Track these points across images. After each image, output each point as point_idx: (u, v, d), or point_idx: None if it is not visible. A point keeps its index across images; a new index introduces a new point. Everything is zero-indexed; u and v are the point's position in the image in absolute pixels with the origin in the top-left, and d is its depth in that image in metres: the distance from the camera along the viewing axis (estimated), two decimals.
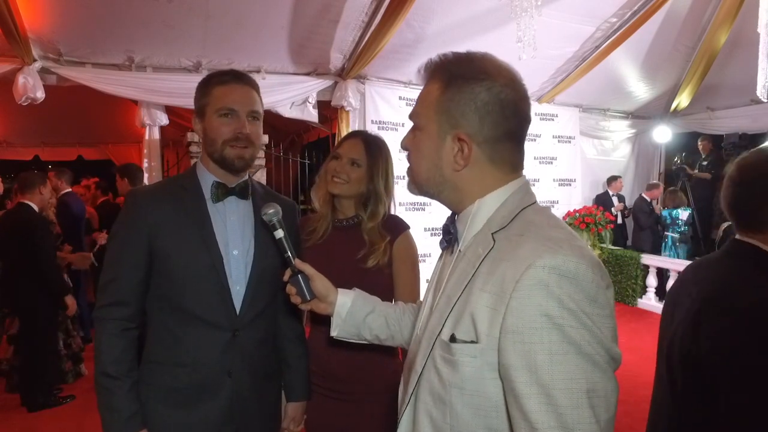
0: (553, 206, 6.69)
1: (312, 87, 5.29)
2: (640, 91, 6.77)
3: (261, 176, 5.15)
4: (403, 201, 5.28)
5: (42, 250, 3.62)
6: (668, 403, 1.21)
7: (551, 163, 6.78)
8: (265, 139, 5.06)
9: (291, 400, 1.62)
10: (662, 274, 6.44)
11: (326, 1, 4.29)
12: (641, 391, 3.61)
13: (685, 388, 1.16)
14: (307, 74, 5.25)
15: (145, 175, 5.15)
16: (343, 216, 1.74)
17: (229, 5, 4.17)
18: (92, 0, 3.91)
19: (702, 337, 1.11)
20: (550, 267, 0.75)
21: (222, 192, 1.43)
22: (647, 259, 6.47)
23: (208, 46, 4.58)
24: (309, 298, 1.26)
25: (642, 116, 7.49)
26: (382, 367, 1.67)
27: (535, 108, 6.48)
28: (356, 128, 5.42)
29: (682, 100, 6.81)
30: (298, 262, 1.27)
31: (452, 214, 0.99)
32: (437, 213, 5.22)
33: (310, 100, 5.36)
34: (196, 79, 2.03)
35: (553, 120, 6.72)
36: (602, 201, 7.19)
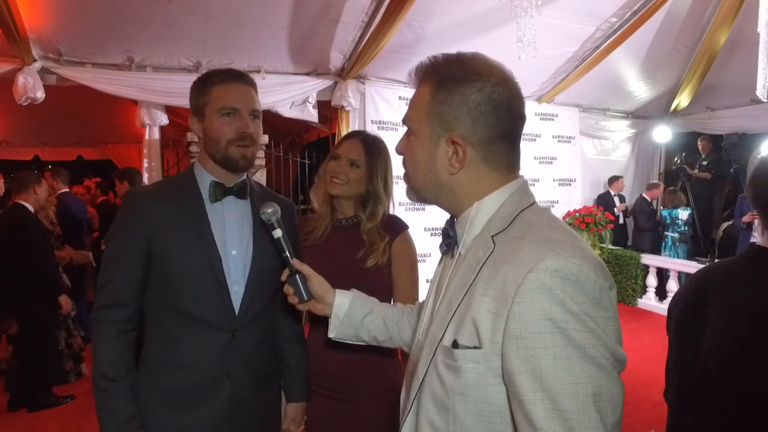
0: (553, 206, 6.69)
1: (312, 87, 5.29)
2: (640, 91, 6.76)
3: (261, 176, 5.14)
4: (403, 201, 5.28)
5: (34, 250, 3.59)
6: (699, 416, 1.17)
7: (551, 163, 6.77)
8: (265, 139, 5.05)
9: (291, 401, 1.62)
10: (662, 274, 6.44)
11: (326, 1, 4.28)
12: (641, 391, 3.61)
13: (728, 404, 1.12)
14: (307, 74, 5.25)
15: (145, 175, 5.16)
16: (342, 216, 1.74)
17: (229, 5, 4.17)
18: (92, 0, 3.90)
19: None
20: (552, 270, 0.74)
21: (220, 192, 1.42)
22: (647, 259, 6.47)
23: (208, 46, 4.58)
24: (306, 299, 1.26)
25: (642, 116, 7.49)
26: (382, 368, 1.67)
27: (535, 108, 6.48)
28: (356, 128, 5.41)
29: (682, 100, 6.81)
30: (296, 262, 1.26)
31: (451, 218, 0.98)
32: (437, 213, 5.15)
33: (310, 100, 5.36)
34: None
35: (553, 120, 6.71)
36: (604, 201, 7.18)
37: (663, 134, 7.43)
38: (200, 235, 1.37)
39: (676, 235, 6.68)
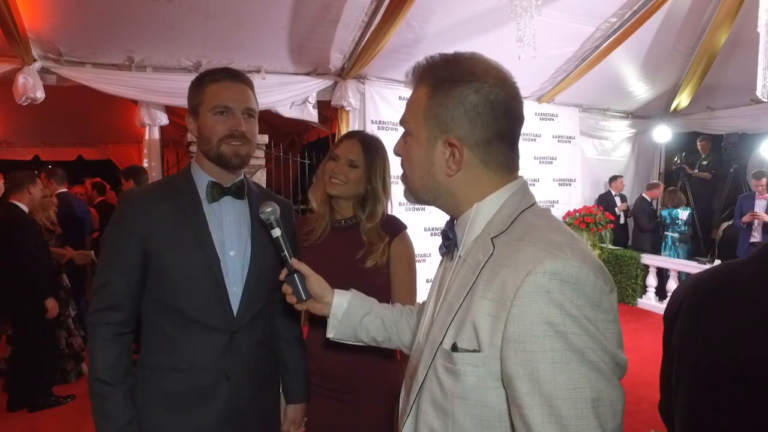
0: (553, 206, 6.69)
1: (312, 87, 5.29)
2: (640, 90, 6.76)
3: (261, 176, 5.14)
4: (403, 201, 5.24)
5: (21, 251, 3.56)
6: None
7: (551, 163, 6.77)
8: (265, 139, 5.06)
9: (290, 403, 1.61)
10: (662, 274, 6.44)
11: (326, 1, 4.28)
12: (641, 391, 3.61)
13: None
14: (307, 74, 5.25)
15: None
16: (341, 216, 1.74)
17: (229, 5, 4.17)
18: (92, 0, 3.90)
19: None
20: (551, 272, 0.74)
21: (217, 192, 1.41)
22: (647, 259, 6.47)
23: (208, 46, 4.58)
24: (305, 298, 1.25)
25: (642, 116, 7.49)
26: (381, 368, 1.67)
27: (535, 108, 6.48)
28: (356, 128, 5.41)
29: (682, 99, 6.81)
30: (294, 262, 1.25)
31: (450, 220, 0.97)
32: (437, 213, 5.13)
33: (310, 100, 5.35)
34: None
35: (553, 120, 6.71)
36: (604, 201, 7.19)
37: (663, 134, 7.43)
38: (198, 236, 1.36)
39: (676, 235, 6.68)
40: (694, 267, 5.78)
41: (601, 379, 0.71)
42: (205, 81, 1.39)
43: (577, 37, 5.40)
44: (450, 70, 0.88)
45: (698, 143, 7.44)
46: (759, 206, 5.74)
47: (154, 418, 1.35)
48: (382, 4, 4.30)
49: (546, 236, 0.80)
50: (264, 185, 5.09)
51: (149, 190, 1.47)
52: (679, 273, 6.10)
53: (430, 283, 1.08)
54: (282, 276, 1.28)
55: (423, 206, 5.36)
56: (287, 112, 5.28)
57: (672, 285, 6.04)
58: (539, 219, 0.86)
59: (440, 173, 0.91)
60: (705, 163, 7.32)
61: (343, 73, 5.27)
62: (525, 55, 3.94)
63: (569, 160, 6.94)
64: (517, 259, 0.78)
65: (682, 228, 6.67)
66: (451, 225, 0.97)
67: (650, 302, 6.39)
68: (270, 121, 6.66)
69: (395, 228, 1.73)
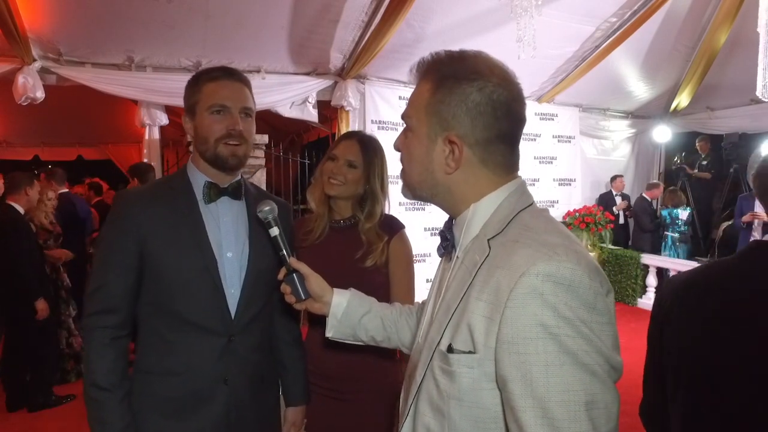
0: (553, 206, 6.69)
1: (312, 87, 5.29)
2: (640, 90, 6.76)
3: (261, 176, 5.14)
4: (402, 201, 5.26)
5: (17, 251, 3.55)
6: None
7: (551, 162, 6.77)
8: (265, 139, 5.05)
9: (290, 405, 1.59)
10: (662, 273, 6.44)
11: (326, 1, 4.28)
12: (641, 391, 3.61)
13: None
14: (307, 74, 5.25)
15: None
16: (339, 217, 1.75)
17: (229, 5, 4.17)
18: (92, 0, 3.90)
19: None
20: (545, 274, 0.73)
21: (214, 192, 1.38)
22: (647, 258, 6.47)
23: (208, 46, 4.58)
24: (304, 298, 1.24)
25: (642, 116, 7.49)
26: (381, 368, 1.67)
27: (535, 108, 6.48)
28: (356, 128, 5.41)
29: (682, 99, 6.81)
30: (293, 261, 1.25)
31: (449, 220, 0.97)
32: (437, 213, 5.13)
33: (310, 100, 5.35)
34: None
35: (553, 120, 6.71)
36: (605, 200, 7.20)
37: (663, 134, 7.43)
38: (195, 237, 1.33)
39: (676, 234, 6.68)
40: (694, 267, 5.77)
41: (595, 381, 0.71)
42: (201, 80, 1.36)
43: (577, 37, 5.40)
44: (454, 67, 0.88)
45: (697, 143, 7.44)
46: (759, 206, 5.74)
47: (151, 423, 1.32)
48: (382, 4, 4.30)
49: (541, 238, 0.80)
50: (264, 185, 5.12)
51: (145, 191, 1.44)
52: (679, 273, 6.10)
53: (429, 283, 1.08)
54: (280, 275, 1.27)
55: (423, 207, 5.42)
56: (287, 112, 5.28)
57: None
58: (536, 220, 0.86)
59: (439, 170, 0.90)
60: (705, 163, 7.32)
61: (343, 73, 5.27)
62: (525, 55, 3.94)
63: (569, 160, 6.94)
64: (511, 261, 0.77)
65: (682, 228, 6.67)
66: (449, 226, 0.97)
67: (650, 302, 6.37)
68: (270, 120, 6.66)
69: (394, 227, 1.74)
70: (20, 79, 4.16)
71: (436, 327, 0.88)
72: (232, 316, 1.36)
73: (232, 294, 1.37)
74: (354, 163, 1.69)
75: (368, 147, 1.72)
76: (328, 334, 1.25)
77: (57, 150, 8.04)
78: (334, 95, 5.34)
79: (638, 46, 5.71)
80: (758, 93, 4.30)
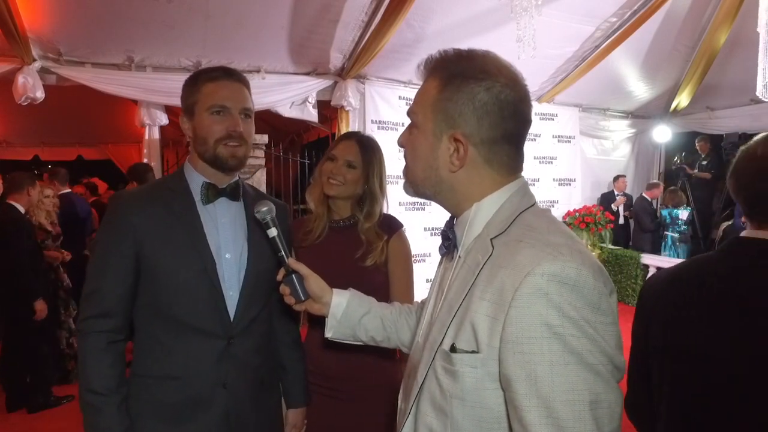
0: (553, 206, 6.69)
1: (312, 87, 5.29)
2: (640, 90, 6.76)
3: (261, 176, 5.14)
4: (402, 201, 5.28)
5: (18, 251, 3.56)
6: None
7: (551, 162, 6.77)
8: (265, 139, 5.05)
9: (291, 407, 1.58)
10: None
11: (326, 1, 4.28)
12: None
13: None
14: (307, 74, 5.25)
15: None
16: (338, 217, 1.76)
17: (229, 5, 4.16)
18: (92, 0, 3.90)
19: None
20: (550, 274, 0.73)
21: (212, 193, 1.36)
22: (647, 259, 6.47)
23: (208, 46, 4.58)
24: (303, 299, 1.24)
25: (642, 116, 7.48)
26: (381, 367, 1.68)
27: (535, 108, 6.44)
28: (356, 128, 5.42)
29: (682, 99, 6.80)
30: (292, 261, 1.24)
31: (450, 219, 0.97)
32: (437, 213, 5.16)
33: (309, 100, 5.35)
34: None
35: (552, 120, 6.71)
36: (608, 200, 7.22)
37: (663, 134, 7.43)
38: (193, 239, 1.31)
39: (676, 234, 6.68)
40: None
41: (599, 381, 0.71)
42: (200, 80, 1.35)
43: (577, 37, 5.40)
44: (463, 66, 0.88)
45: (697, 143, 7.44)
46: None
47: (149, 429, 1.30)
48: (382, 3, 4.30)
49: (545, 238, 0.80)
50: (264, 185, 5.12)
51: (141, 192, 1.42)
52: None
53: (429, 283, 1.08)
54: (279, 276, 1.26)
55: (423, 206, 5.42)
56: (287, 111, 5.27)
57: None
58: (539, 220, 0.86)
59: (443, 168, 0.90)
60: (705, 163, 7.32)
61: (343, 73, 5.27)
62: (525, 55, 3.94)
63: (569, 160, 6.94)
64: (515, 261, 0.77)
65: (682, 228, 6.67)
66: (450, 225, 0.97)
67: None
68: (270, 120, 6.66)
69: (392, 226, 1.75)
70: (20, 79, 4.15)
71: (438, 326, 0.88)
72: (231, 319, 1.34)
73: (231, 296, 1.35)
74: (353, 164, 1.70)
75: (367, 147, 1.74)
76: (328, 334, 1.25)
77: (57, 150, 8.04)
78: (334, 95, 5.34)
79: (638, 46, 5.70)
80: (758, 93, 4.30)
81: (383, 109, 5.62)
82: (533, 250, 0.77)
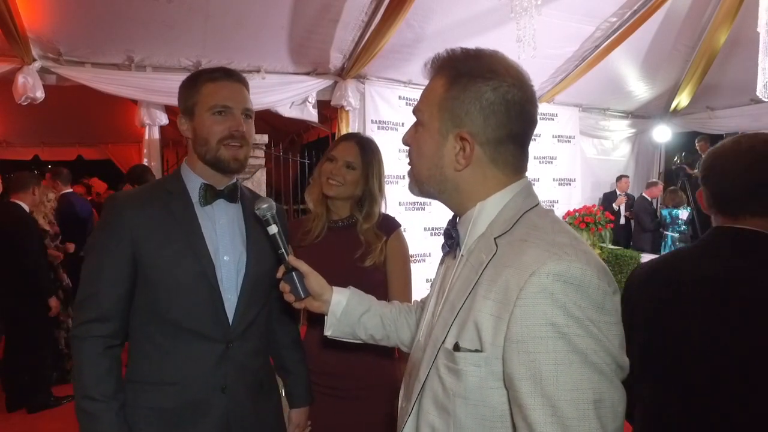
0: (552, 206, 6.68)
1: (312, 87, 5.28)
2: (640, 90, 6.76)
3: (261, 176, 5.13)
4: (402, 200, 5.27)
5: (27, 250, 3.58)
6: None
7: (551, 162, 6.76)
8: (265, 139, 5.05)
9: (294, 407, 1.58)
10: None
11: (326, 1, 4.28)
12: None
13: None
14: (307, 74, 5.24)
15: None
16: (337, 217, 1.77)
17: (229, 5, 4.16)
18: (92, 0, 3.90)
19: None
20: (555, 274, 0.74)
21: (211, 195, 1.34)
22: (647, 258, 6.46)
23: (208, 46, 4.58)
24: (303, 296, 1.23)
25: (642, 116, 7.48)
26: (380, 365, 1.69)
27: (538, 108, 6.47)
28: (356, 128, 5.43)
29: (682, 99, 6.80)
30: (292, 259, 1.24)
31: (453, 218, 0.98)
32: (437, 213, 5.21)
33: (309, 100, 5.35)
34: None
35: (552, 119, 6.71)
36: (610, 200, 7.23)
37: (663, 134, 7.42)
38: (191, 241, 1.29)
39: (676, 234, 6.68)
40: None
41: (603, 380, 0.72)
42: (201, 80, 1.34)
43: (577, 36, 5.39)
44: (470, 65, 0.88)
45: (697, 143, 7.44)
46: None
47: None
48: (382, 3, 4.30)
49: (549, 237, 0.80)
50: (264, 185, 5.12)
51: (137, 194, 1.39)
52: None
53: (429, 283, 1.08)
54: (279, 274, 1.25)
55: (423, 206, 5.42)
56: (287, 111, 5.27)
57: None
58: (543, 220, 0.86)
59: (448, 167, 0.90)
60: None
61: (342, 73, 5.27)
62: (525, 54, 3.93)
63: (569, 159, 6.93)
64: (520, 260, 0.78)
65: (682, 227, 6.67)
66: (453, 224, 0.97)
67: None
68: (270, 120, 6.66)
69: (390, 226, 1.77)
70: (20, 79, 4.15)
71: (441, 325, 0.88)
72: (230, 322, 1.32)
73: (229, 299, 1.33)
74: (353, 165, 1.71)
75: (367, 149, 1.75)
76: (327, 332, 1.25)
77: (57, 150, 8.04)
78: (334, 95, 5.34)
79: (638, 46, 5.70)
80: (758, 93, 4.29)
81: (383, 109, 5.62)
82: (538, 250, 0.77)
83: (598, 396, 0.71)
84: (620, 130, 7.50)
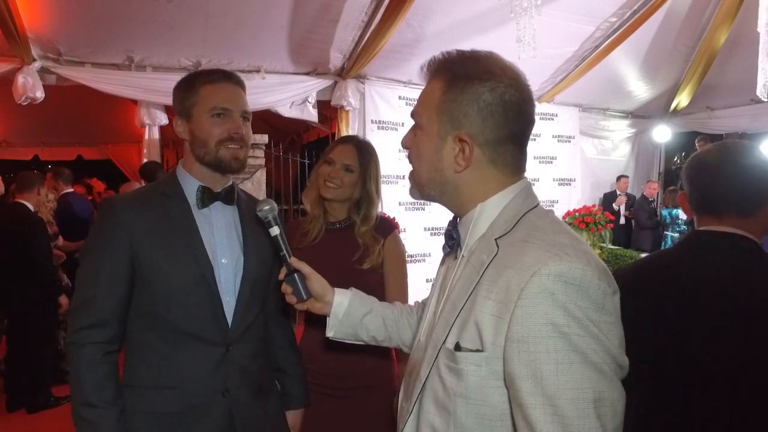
0: (552, 206, 6.68)
1: (312, 87, 5.28)
2: (640, 90, 6.76)
3: (261, 176, 5.13)
4: (402, 201, 5.27)
5: (37, 249, 3.60)
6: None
7: (551, 162, 6.76)
8: (265, 139, 5.05)
9: (291, 409, 1.58)
10: None
11: (326, 1, 4.28)
12: None
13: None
14: (307, 74, 5.24)
15: None
16: (334, 219, 1.78)
17: (229, 5, 4.16)
18: (92, 0, 3.90)
19: None
20: (556, 274, 0.74)
21: (208, 197, 1.34)
22: None
23: (208, 46, 4.58)
24: (305, 298, 1.23)
25: (642, 116, 7.48)
26: (379, 365, 1.70)
27: (535, 107, 6.46)
28: (356, 128, 5.44)
29: (682, 99, 6.80)
30: (294, 261, 1.23)
31: (454, 219, 0.98)
32: (437, 213, 5.21)
33: (309, 100, 5.35)
34: None
35: (552, 119, 6.71)
36: (610, 200, 7.24)
37: (663, 134, 7.42)
38: (189, 243, 1.28)
39: (676, 234, 6.68)
40: None
41: (602, 379, 0.72)
42: (198, 82, 1.34)
43: (577, 36, 5.39)
44: (466, 67, 0.89)
45: (697, 143, 7.43)
46: None
47: None
48: (382, 3, 4.30)
49: (550, 238, 0.81)
50: (264, 185, 5.12)
51: (132, 197, 1.38)
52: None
53: (430, 283, 1.08)
54: (281, 275, 1.25)
55: (423, 206, 5.42)
56: (287, 111, 5.27)
57: None
58: (543, 221, 0.87)
59: (448, 169, 0.91)
60: None
61: (342, 73, 5.27)
62: (525, 54, 3.93)
63: (569, 159, 6.93)
64: (521, 261, 0.78)
65: (682, 227, 6.68)
66: (454, 224, 0.97)
67: None
68: (270, 120, 6.66)
69: (387, 228, 1.79)
70: (20, 79, 4.15)
71: (442, 325, 0.88)
72: (229, 325, 1.32)
73: (228, 301, 1.33)
74: (351, 168, 1.73)
75: (364, 152, 1.77)
76: (329, 334, 1.24)
77: (57, 150, 8.03)
78: (334, 95, 5.34)
79: (638, 46, 5.70)
80: (758, 93, 4.30)
81: (383, 109, 5.62)
82: (539, 251, 0.78)
83: (598, 395, 0.71)
84: (620, 130, 7.50)
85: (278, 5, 4.27)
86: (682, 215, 6.66)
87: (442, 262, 1.04)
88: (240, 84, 1.39)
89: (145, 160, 5.11)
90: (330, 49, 4.89)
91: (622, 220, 7.35)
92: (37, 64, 4.28)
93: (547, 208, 0.94)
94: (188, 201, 1.34)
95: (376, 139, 5.43)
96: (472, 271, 0.86)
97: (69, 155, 8.08)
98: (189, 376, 1.28)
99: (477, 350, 0.80)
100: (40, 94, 4.25)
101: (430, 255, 5.51)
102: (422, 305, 1.26)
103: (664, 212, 6.81)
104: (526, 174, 0.94)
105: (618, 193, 7.28)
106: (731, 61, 5.89)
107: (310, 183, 1.83)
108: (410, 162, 0.98)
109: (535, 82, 6.07)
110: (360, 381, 1.67)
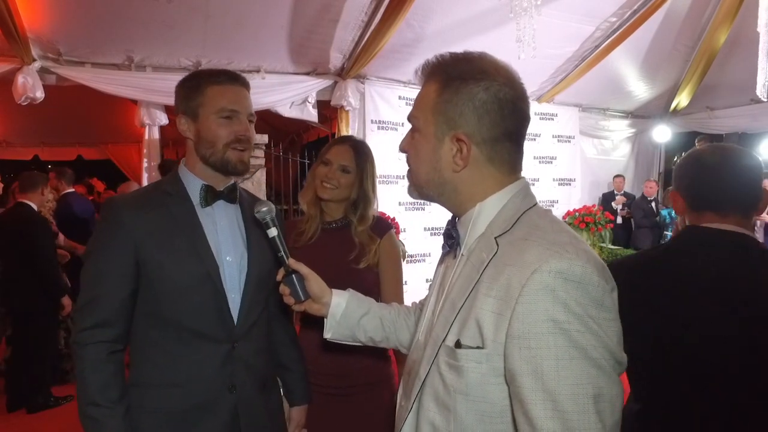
0: (552, 206, 6.69)
1: (312, 87, 5.29)
2: (640, 90, 6.76)
3: (261, 176, 5.14)
4: (402, 201, 5.27)
5: (41, 250, 3.61)
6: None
7: (551, 162, 6.77)
8: (265, 139, 5.06)
9: (295, 405, 1.58)
10: None
11: (326, 1, 4.28)
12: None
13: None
14: (307, 74, 5.25)
15: (144, 175, 5.16)
16: (330, 218, 1.79)
17: (229, 5, 4.17)
18: (92, 0, 3.90)
19: None
20: (556, 271, 0.75)
21: (211, 196, 1.35)
22: None
23: (208, 46, 4.58)
24: (303, 299, 1.23)
25: (642, 116, 7.48)
26: (376, 364, 1.71)
27: (535, 107, 6.47)
28: (356, 128, 5.44)
29: (682, 99, 6.80)
30: (292, 262, 1.24)
31: (453, 218, 0.99)
32: (437, 213, 5.21)
33: (309, 100, 5.35)
34: None
35: (552, 119, 6.71)
36: (609, 199, 7.25)
37: (663, 134, 7.43)
38: (194, 243, 1.29)
39: None
40: None
41: (602, 375, 0.73)
42: (204, 82, 1.34)
43: (576, 36, 5.40)
44: (460, 68, 0.90)
45: (697, 143, 7.43)
46: None
47: None
48: (382, 3, 4.30)
49: (550, 236, 0.82)
50: (264, 185, 5.12)
51: (135, 197, 1.39)
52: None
53: (429, 283, 1.08)
54: (279, 276, 1.25)
55: (423, 206, 5.43)
56: (287, 111, 5.28)
57: None
58: (543, 220, 0.88)
59: (446, 169, 0.92)
60: None
61: (342, 73, 5.27)
62: (525, 54, 3.94)
63: (569, 159, 6.94)
64: (522, 258, 0.79)
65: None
66: (453, 224, 0.98)
67: None
68: (270, 120, 6.66)
69: (383, 228, 1.80)
70: (20, 79, 4.15)
71: (441, 323, 0.89)
72: (235, 322, 1.33)
73: (233, 299, 1.34)
74: (347, 168, 1.74)
75: (361, 152, 1.78)
76: (327, 335, 1.24)
77: (57, 150, 8.02)
78: (334, 95, 5.34)
79: (638, 46, 5.70)
80: (758, 93, 4.30)
81: (383, 109, 5.62)
82: (540, 249, 0.79)
83: (597, 391, 0.72)
84: (620, 130, 7.50)
85: (278, 5, 4.27)
86: None
87: (441, 262, 1.05)
88: (246, 86, 1.40)
89: (144, 161, 5.12)
90: (330, 49, 4.90)
91: (619, 220, 7.35)
92: (37, 64, 4.28)
93: (547, 208, 0.95)
94: (191, 200, 1.35)
95: (375, 139, 5.43)
96: (472, 269, 0.87)
97: (69, 155, 8.08)
98: (195, 373, 1.29)
99: (477, 347, 0.80)
100: (40, 94, 4.25)
101: (429, 255, 5.51)
102: (420, 306, 1.26)
103: (664, 212, 6.81)
104: (526, 174, 0.95)
105: (615, 192, 7.28)
106: (731, 61, 5.90)
107: (306, 183, 1.84)
108: (408, 164, 0.98)
109: (535, 82, 6.07)
110: (358, 379, 1.68)
